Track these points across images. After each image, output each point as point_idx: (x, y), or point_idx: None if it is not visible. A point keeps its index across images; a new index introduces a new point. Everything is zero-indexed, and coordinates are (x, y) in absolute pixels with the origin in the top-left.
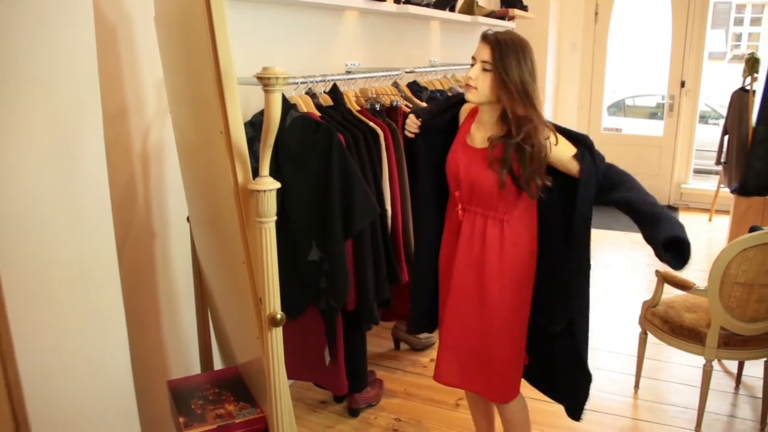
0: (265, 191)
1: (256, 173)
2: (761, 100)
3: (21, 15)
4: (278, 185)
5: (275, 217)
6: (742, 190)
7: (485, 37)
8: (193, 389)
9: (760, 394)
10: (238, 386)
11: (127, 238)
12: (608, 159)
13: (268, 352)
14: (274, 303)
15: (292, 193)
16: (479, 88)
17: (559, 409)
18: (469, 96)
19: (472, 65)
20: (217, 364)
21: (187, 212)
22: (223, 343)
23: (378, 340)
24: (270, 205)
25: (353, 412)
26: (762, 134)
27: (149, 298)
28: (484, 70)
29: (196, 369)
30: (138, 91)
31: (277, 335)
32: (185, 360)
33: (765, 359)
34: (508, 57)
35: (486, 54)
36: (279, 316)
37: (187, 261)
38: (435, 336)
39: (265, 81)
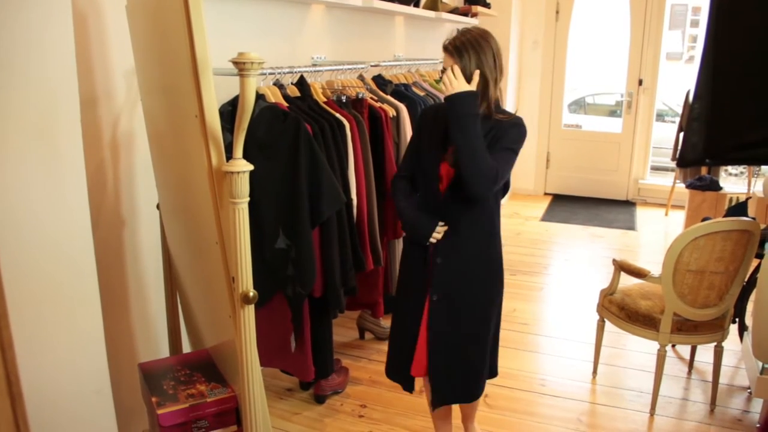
0: (239, 173)
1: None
2: (696, 81)
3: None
4: (251, 167)
5: (248, 198)
6: (681, 161)
7: (445, 48)
8: (164, 371)
9: (710, 379)
10: (208, 368)
11: (96, 225)
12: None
13: (240, 330)
14: (246, 281)
15: (259, 182)
16: None
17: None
18: None
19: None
20: (186, 349)
21: (157, 200)
22: (192, 328)
23: (343, 330)
24: (243, 186)
25: (319, 399)
26: (697, 111)
27: (118, 284)
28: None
29: (164, 354)
30: (108, 80)
31: (249, 313)
32: (154, 345)
33: (714, 344)
34: (469, 60)
35: (450, 64)
36: (251, 294)
37: (156, 248)
38: None
39: (240, 66)
